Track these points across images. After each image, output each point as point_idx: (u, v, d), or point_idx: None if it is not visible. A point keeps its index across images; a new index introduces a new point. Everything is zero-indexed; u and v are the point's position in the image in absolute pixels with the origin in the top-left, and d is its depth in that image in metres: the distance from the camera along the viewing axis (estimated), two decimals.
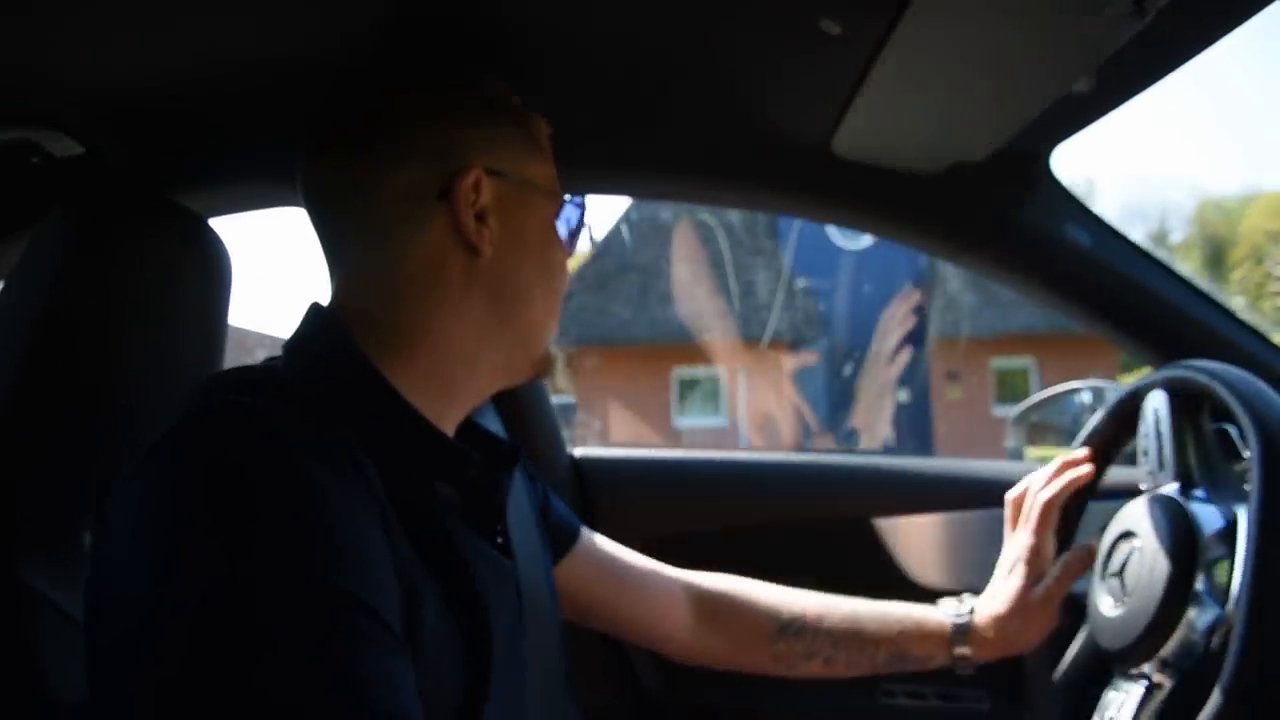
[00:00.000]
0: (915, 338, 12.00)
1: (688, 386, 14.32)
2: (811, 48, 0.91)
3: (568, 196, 0.91)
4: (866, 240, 11.99)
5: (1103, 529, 1.05)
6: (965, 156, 1.13)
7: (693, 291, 12.80)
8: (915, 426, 12.80)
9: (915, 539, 1.55)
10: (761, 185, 1.28)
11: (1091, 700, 1.04)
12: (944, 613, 1.14)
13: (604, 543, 1.15)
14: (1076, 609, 1.10)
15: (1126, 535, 0.99)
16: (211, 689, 0.56)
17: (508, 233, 0.84)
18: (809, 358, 12.08)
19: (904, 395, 12.55)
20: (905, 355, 11.89)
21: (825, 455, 1.70)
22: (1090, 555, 1.07)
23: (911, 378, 12.72)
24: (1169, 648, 0.90)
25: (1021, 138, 1.08)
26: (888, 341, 11.73)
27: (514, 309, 0.86)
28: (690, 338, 13.03)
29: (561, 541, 1.09)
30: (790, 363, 12.21)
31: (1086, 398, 1.64)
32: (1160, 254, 1.27)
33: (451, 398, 0.84)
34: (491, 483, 0.86)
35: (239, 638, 0.57)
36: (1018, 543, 1.12)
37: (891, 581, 1.55)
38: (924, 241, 1.33)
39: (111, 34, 0.87)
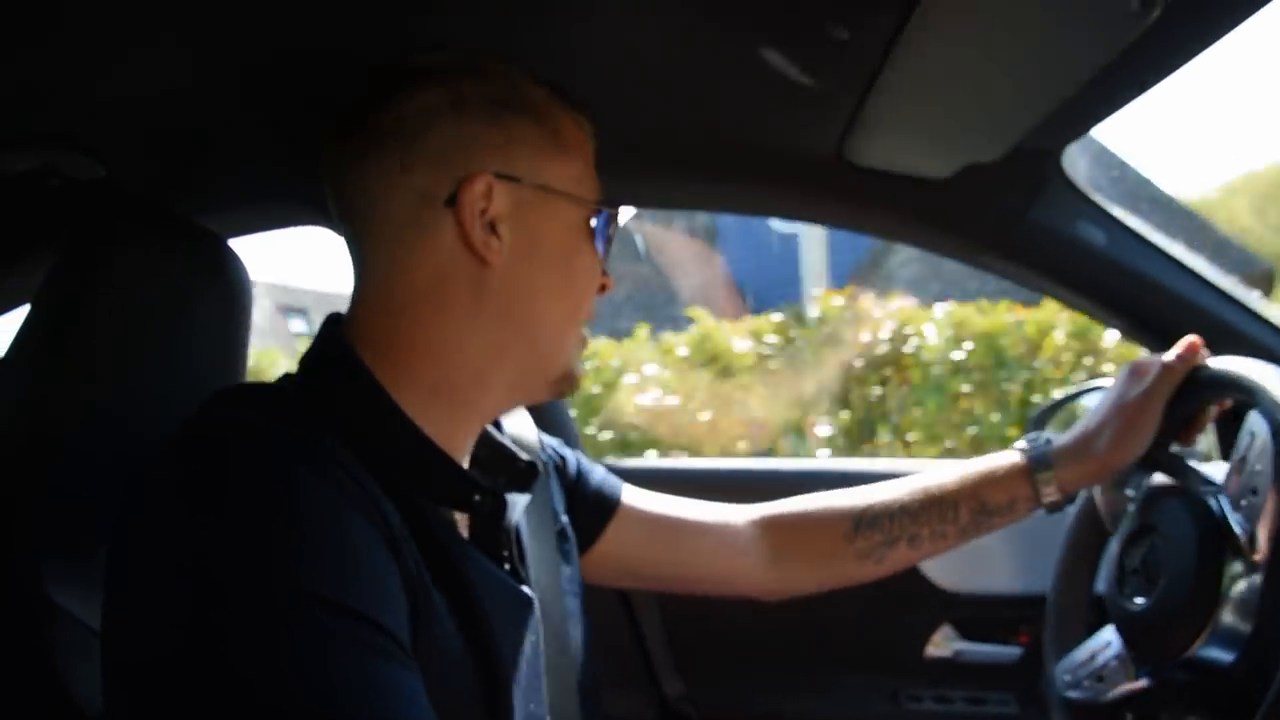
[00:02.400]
0: None
1: None
2: (820, 54, 0.92)
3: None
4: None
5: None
6: (977, 158, 1.13)
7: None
8: None
9: None
10: (774, 192, 1.28)
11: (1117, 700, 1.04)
12: (1017, 448, 1.05)
13: (650, 500, 1.08)
14: (1099, 610, 1.09)
15: (1147, 529, 0.98)
16: (190, 694, 0.56)
17: (522, 242, 0.79)
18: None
19: None
20: None
21: (832, 461, 1.69)
22: (1194, 352, 0.99)
23: None
24: (1200, 643, 0.88)
25: (1032, 137, 1.07)
26: None
27: (527, 324, 0.81)
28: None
29: (601, 512, 1.04)
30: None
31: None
32: (1178, 250, 1.26)
33: (461, 415, 0.81)
34: (500, 507, 0.82)
35: (225, 643, 0.57)
36: (1122, 380, 1.03)
37: (899, 580, 1.55)
38: (939, 244, 1.33)
39: (130, 56, 0.88)
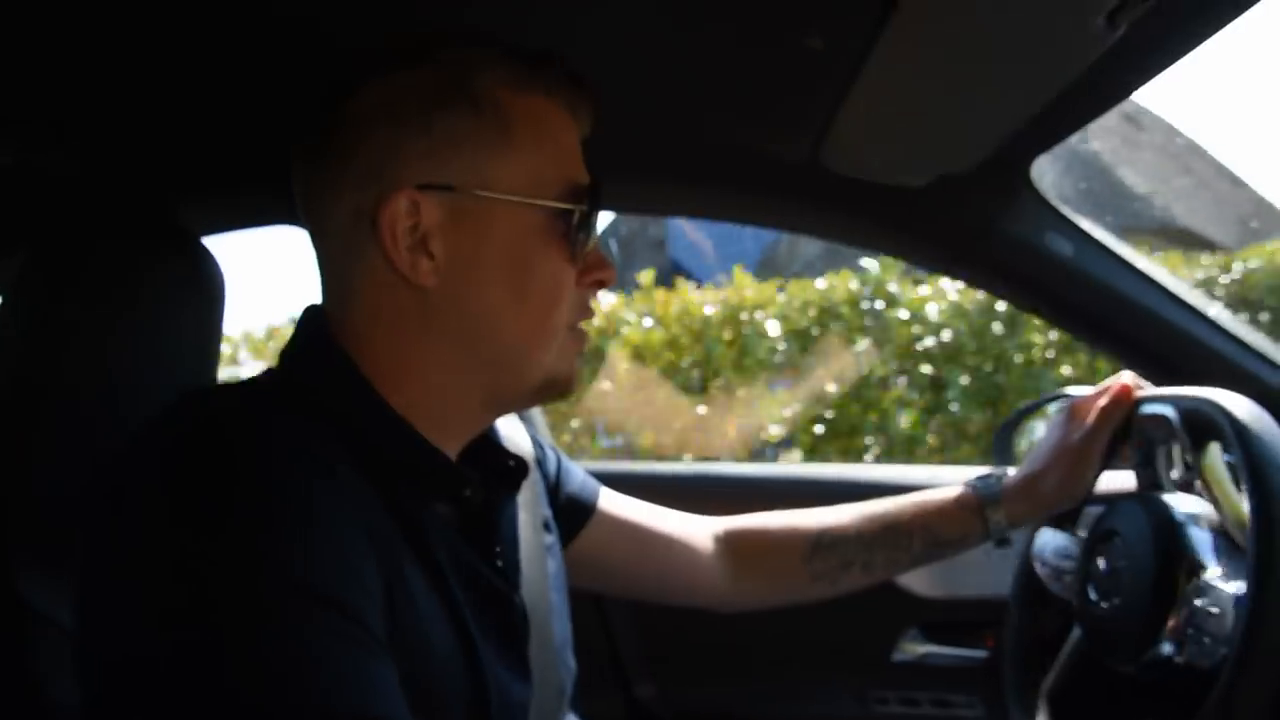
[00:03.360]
0: None
1: None
2: (796, 63, 0.93)
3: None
4: None
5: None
6: (948, 169, 1.15)
7: None
8: None
9: None
10: (748, 199, 1.29)
11: (1081, 702, 1.06)
12: (969, 484, 1.11)
13: (625, 506, 1.09)
14: (1063, 613, 1.11)
15: (1110, 534, 1.00)
16: (178, 682, 0.56)
17: (463, 255, 0.73)
18: None
19: None
20: None
21: (811, 467, 1.70)
22: (1128, 393, 1.05)
23: None
24: (1160, 643, 0.90)
25: (1002, 150, 1.09)
26: None
27: (484, 343, 0.75)
28: None
29: (578, 515, 1.04)
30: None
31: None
32: (1144, 264, 1.28)
33: (447, 423, 0.78)
34: (489, 502, 0.82)
35: (210, 631, 0.57)
36: (1063, 422, 1.09)
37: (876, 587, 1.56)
38: (909, 253, 1.34)
39: (108, 53, 0.88)
